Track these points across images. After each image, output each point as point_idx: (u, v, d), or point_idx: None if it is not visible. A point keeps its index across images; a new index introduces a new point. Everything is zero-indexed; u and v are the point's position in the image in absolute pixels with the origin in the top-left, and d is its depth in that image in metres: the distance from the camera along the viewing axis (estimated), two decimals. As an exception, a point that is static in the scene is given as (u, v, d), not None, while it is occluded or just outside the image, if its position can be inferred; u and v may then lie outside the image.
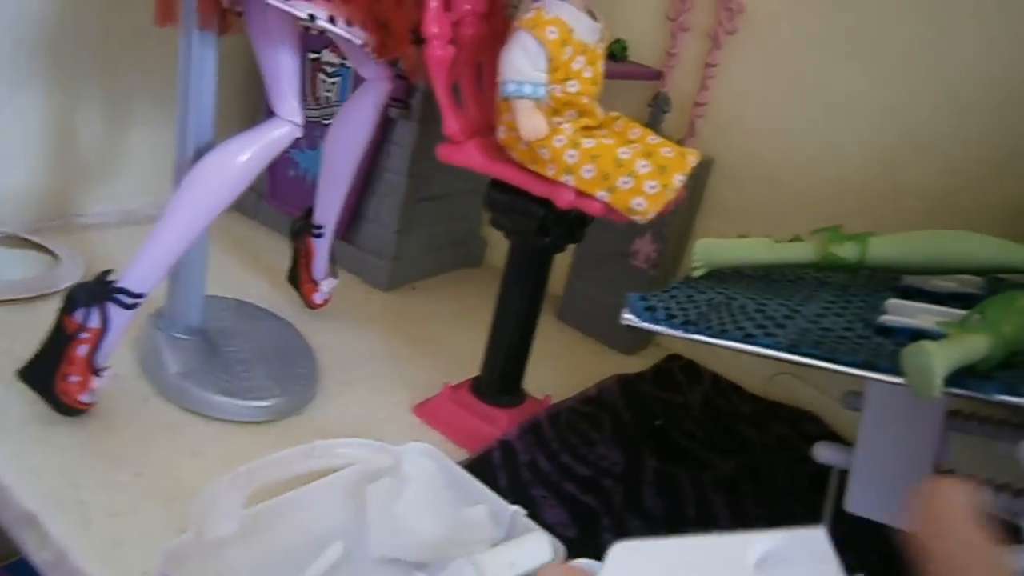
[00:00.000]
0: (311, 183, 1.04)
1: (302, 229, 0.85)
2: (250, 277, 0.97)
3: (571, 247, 0.77)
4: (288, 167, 1.05)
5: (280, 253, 1.02)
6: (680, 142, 0.95)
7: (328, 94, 1.00)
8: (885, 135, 0.86)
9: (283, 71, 0.66)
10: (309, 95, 1.01)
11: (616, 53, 0.95)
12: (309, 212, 0.84)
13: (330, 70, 0.99)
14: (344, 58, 0.98)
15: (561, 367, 0.92)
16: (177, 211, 0.65)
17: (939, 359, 0.47)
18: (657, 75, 0.96)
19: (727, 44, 0.93)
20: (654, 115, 0.95)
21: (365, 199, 1.00)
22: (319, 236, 0.84)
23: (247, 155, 0.66)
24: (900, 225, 0.87)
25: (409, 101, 0.93)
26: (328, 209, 0.82)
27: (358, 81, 0.98)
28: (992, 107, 0.80)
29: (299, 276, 0.88)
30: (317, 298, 0.89)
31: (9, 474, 0.60)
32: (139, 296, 0.65)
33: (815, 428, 0.94)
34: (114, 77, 0.97)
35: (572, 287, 1.03)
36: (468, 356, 0.84)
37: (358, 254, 1.02)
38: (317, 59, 0.99)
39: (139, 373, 0.74)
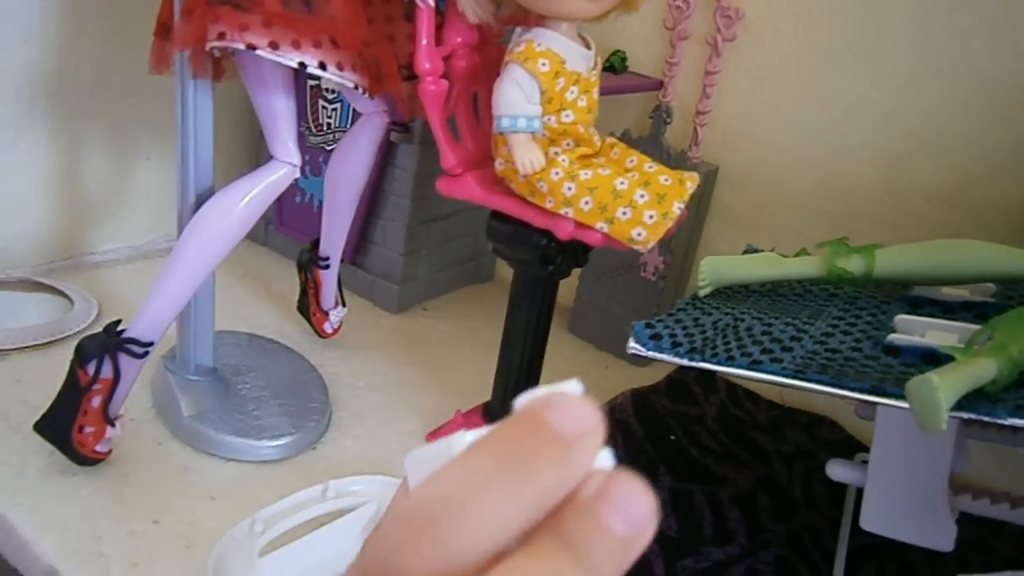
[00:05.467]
0: (318, 208, 1.05)
1: (308, 261, 0.86)
2: (262, 306, 0.98)
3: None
4: (294, 194, 1.06)
5: (291, 280, 1.03)
6: (684, 152, 0.95)
7: (329, 120, 1.00)
8: (891, 137, 0.85)
9: (279, 115, 0.66)
10: (311, 122, 1.02)
11: (615, 64, 0.95)
12: (315, 244, 0.85)
13: (330, 96, 0.99)
14: (343, 84, 0.98)
15: (574, 384, 0.92)
16: (181, 260, 0.66)
17: (944, 392, 0.46)
18: (658, 85, 0.95)
19: (727, 51, 0.92)
20: (656, 126, 0.94)
21: (371, 223, 1.00)
22: (326, 267, 0.85)
23: (246, 200, 0.66)
24: (910, 228, 0.86)
25: (410, 125, 0.93)
26: (333, 241, 0.83)
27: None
28: (999, 107, 0.78)
29: (308, 306, 0.89)
30: (327, 328, 0.89)
31: (30, 528, 0.61)
32: (148, 345, 0.66)
33: (832, 433, 0.93)
34: (117, 114, 0.98)
35: (582, 300, 1.03)
36: (479, 379, 0.84)
37: (367, 277, 1.02)
38: (317, 86, 0.99)
39: (153, 416, 0.75)
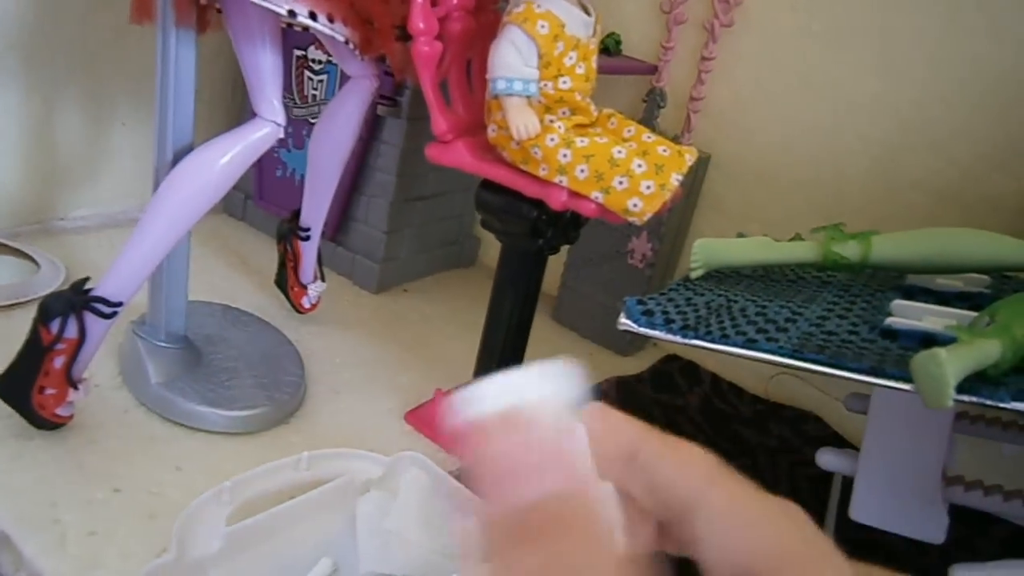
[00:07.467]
0: (299, 183, 1.02)
1: (289, 232, 0.83)
2: (238, 280, 0.95)
3: (566, 246, 0.74)
4: (275, 167, 1.03)
5: (268, 255, 1.00)
6: (676, 138, 0.93)
7: (315, 92, 0.97)
8: (886, 130, 0.84)
9: (264, 70, 0.63)
10: (296, 93, 0.99)
11: (609, 47, 0.93)
12: (296, 214, 0.82)
13: (316, 67, 0.96)
14: (331, 55, 0.96)
15: (556, 370, 0.90)
16: (155, 216, 0.63)
17: (951, 367, 0.44)
18: (652, 69, 0.93)
19: (723, 37, 0.90)
20: (649, 110, 0.93)
21: (354, 199, 0.97)
22: (306, 239, 0.82)
23: (227, 158, 0.63)
24: (902, 221, 0.85)
25: (398, 99, 0.90)
26: (315, 211, 0.80)
27: (345, 79, 0.96)
28: (996, 102, 0.78)
29: (286, 280, 0.86)
30: (305, 302, 0.86)
31: (-18, 492, 0.57)
32: (117, 305, 0.63)
33: (816, 429, 0.92)
34: (94, 77, 0.94)
35: (567, 287, 1.01)
36: (460, 360, 0.82)
37: (348, 255, 0.99)
38: (303, 56, 0.97)
39: (120, 383, 0.72)
